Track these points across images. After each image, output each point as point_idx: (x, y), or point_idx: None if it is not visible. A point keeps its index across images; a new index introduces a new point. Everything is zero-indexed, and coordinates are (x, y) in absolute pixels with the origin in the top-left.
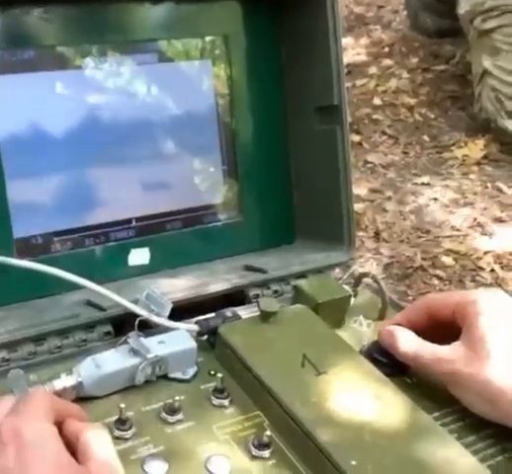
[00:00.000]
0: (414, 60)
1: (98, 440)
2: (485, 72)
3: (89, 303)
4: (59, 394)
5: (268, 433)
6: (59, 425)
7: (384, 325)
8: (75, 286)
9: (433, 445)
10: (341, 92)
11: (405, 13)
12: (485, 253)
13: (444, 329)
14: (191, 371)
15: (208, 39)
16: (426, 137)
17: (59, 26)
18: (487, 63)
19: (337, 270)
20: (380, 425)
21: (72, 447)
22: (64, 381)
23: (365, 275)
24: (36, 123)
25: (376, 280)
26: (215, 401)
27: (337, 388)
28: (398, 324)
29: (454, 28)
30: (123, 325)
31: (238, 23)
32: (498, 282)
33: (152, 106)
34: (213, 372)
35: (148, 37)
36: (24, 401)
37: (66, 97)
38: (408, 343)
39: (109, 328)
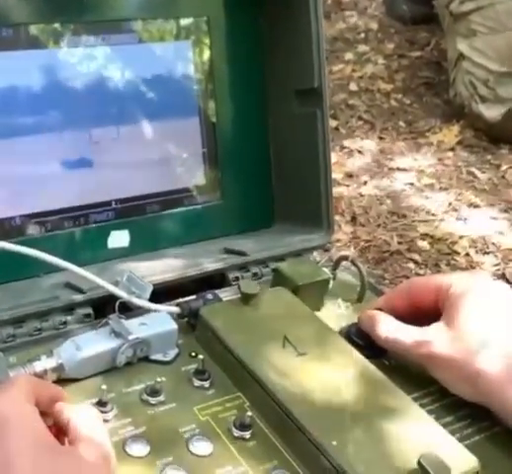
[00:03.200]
0: (390, 46)
1: (87, 421)
2: (461, 56)
3: (68, 285)
4: (40, 376)
5: (249, 413)
6: (41, 406)
7: (366, 309)
8: (54, 269)
9: (412, 426)
10: (322, 74)
11: None
12: (460, 237)
13: (426, 314)
14: (172, 353)
15: (188, 20)
16: (402, 123)
17: (35, 4)
18: (463, 46)
19: (315, 253)
20: (359, 405)
21: (62, 430)
22: (45, 363)
23: (344, 258)
24: (11, 101)
25: (354, 263)
26: (197, 383)
27: (317, 369)
28: (380, 309)
29: (429, 14)
30: (102, 307)
31: (219, 4)
32: (473, 266)
33: (131, 87)
34: (193, 354)
35: (128, 16)
36: (4, 383)
37: (40, 77)
38: (388, 327)
39: (88, 310)
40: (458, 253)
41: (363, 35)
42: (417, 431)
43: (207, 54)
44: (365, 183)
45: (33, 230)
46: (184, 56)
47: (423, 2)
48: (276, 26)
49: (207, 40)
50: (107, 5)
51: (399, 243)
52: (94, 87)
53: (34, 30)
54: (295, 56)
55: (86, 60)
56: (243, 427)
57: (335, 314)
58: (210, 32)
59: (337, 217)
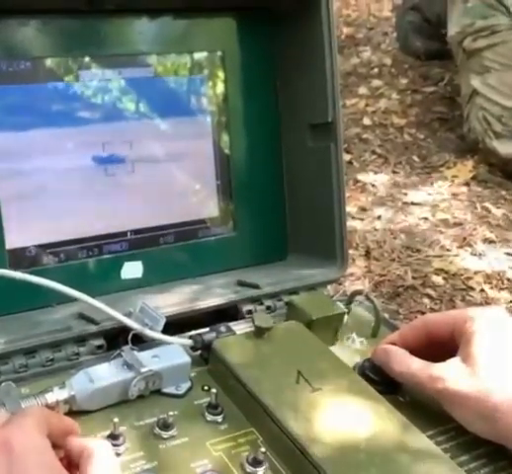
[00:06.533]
0: (404, 81)
1: (99, 454)
2: (474, 92)
3: (81, 316)
4: (51, 407)
5: (262, 449)
6: (53, 438)
7: (380, 344)
8: (68, 299)
9: (427, 464)
10: (336, 109)
11: (395, 35)
12: (475, 273)
13: (441, 349)
14: (184, 386)
15: (203, 54)
16: (415, 157)
17: (53, 38)
18: (476, 83)
19: (329, 287)
20: (374, 442)
21: (74, 463)
22: (57, 395)
23: (358, 292)
24: (28, 138)
25: (369, 298)
26: (209, 417)
27: (332, 405)
28: (393, 343)
29: (443, 50)
30: (115, 339)
31: (234, 38)
32: (488, 302)
33: (146, 120)
34: (206, 388)
35: (144, 51)
36: (17, 414)
37: (52, 111)
38: (402, 361)
39: (101, 341)
40: (473, 289)
41: (376, 70)
42: (433, 470)
43: (221, 88)
44: (379, 217)
45: (46, 260)
46: (198, 90)
47: (436, 38)
48: (290, 60)
49: (221, 74)
50: (123, 40)
51: (414, 278)
52: (108, 121)
53: (51, 63)
54: (309, 91)
55: (101, 93)
56: (256, 463)
57: (350, 349)
58: (224, 66)
59: (351, 251)
